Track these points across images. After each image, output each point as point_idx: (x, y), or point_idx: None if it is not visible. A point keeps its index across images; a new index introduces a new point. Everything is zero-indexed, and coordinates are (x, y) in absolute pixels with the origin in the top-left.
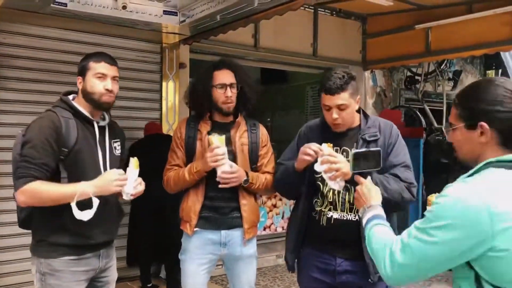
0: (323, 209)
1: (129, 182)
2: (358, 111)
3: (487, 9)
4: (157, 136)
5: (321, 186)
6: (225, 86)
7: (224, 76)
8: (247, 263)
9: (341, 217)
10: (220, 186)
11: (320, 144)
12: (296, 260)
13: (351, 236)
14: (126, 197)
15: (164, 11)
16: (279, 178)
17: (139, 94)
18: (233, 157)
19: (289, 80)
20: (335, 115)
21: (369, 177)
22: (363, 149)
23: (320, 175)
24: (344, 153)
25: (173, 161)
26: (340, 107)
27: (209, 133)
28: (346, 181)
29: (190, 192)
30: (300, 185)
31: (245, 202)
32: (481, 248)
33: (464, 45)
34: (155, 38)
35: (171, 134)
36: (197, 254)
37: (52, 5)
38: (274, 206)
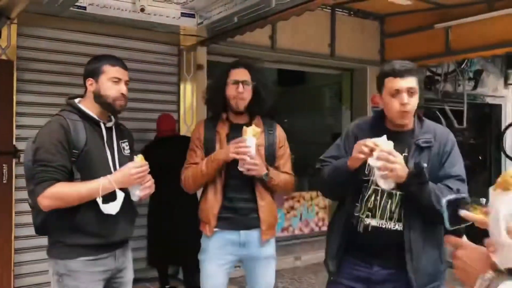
0: (361, 215)
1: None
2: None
3: (508, 7)
4: (173, 138)
5: (364, 190)
6: (237, 83)
7: (239, 74)
8: (265, 264)
9: (379, 225)
10: (240, 168)
11: None
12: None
13: (391, 245)
14: (134, 198)
15: (181, 13)
16: (327, 177)
17: (157, 96)
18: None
19: (307, 81)
20: (406, 100)
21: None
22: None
23: (367, 178)
24: None
25: (192, 160)
26: (410, 91)
27: (228, 136)
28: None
29: (208, 193)
30: (349, 185)
31: (263, 204)
32: None
33: (485, 44)
34: (172, 40)
35: (188, 135)
36: (217, 254)
37: (71, 8)
38: (292, 208)
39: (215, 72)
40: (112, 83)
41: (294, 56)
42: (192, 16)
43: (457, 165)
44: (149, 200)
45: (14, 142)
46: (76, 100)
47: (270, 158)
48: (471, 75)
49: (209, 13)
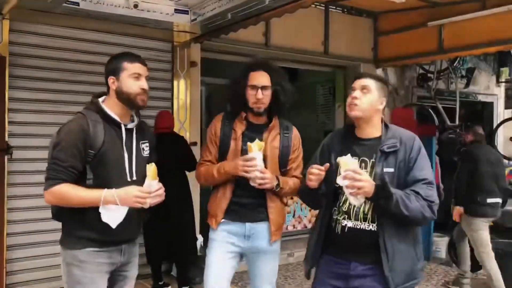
0: (338, 218)
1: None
2: (381, 121)
3: (500, 6)
4: (170, 136)
5: (340, 196)
6: (256, 88)
7: (258, 78)
8: (269, 258)
9: (355, 226)
10: (252, 184)
11: (339, 154)
12: (313, 268)
13: (367, 244)
14: (145, 205)
15: (175, 9)
16: (300, 194)
17: (151, 92)
18: (263, 159)
19: (300, 79)
20: (355, 94)
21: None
22: None
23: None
24: (363, 164)
25: (206, 157)
26: (363, 89)
27: (244, 135)
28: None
29: (220, 189)
30: (320, 198)
31: (273, 205)
32: None
33: (478, 42)
34: (166, 36)
35: (182, 134)
36: (222, 243)
37: (64, 4)
38: (285, 205)
39: (235, 72)
40: (133, 79)
41: (288, 53)
42: (185, 12)
43: (424, 169)
44: None
45: (6, 139)
46: (101, 99)
47: (284, 160)
48: (463, 73)
49: (202, 9)
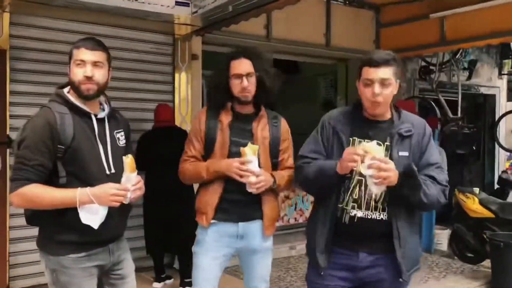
0: (345, 207)
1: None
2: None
3: None
4: (171, 128)
5: (347, 182)
6: (240, 76)
7: (240, 66)
8: (262, 256)
9: (365, 216)
10: (249, 190)
11: (350, 136)
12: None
13: (376, 234)
14: (125, 200)
15: (176, 2)
16: (312, 177)
17: (152, 86)
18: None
19: (302, 71)
20: (377, 90)
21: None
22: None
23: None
24: None
25: (190, 152)
26: (384, 82)
27: (231, 125)
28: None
29: (210, 184)
30: (335, 185)
31: (266, 198)
32: None
33: (480, 34)
34: (167, 29)
35: (183, 128)
36: (213, 247)
37: None
38: (287, 197)
39: (216, 63)
40: (76, 67)
41: (289, 46)
42: (186, 4)
43: (434, 153)
44: (145, 190)
45: (7, 132)
46: (66, 90)
47: (275, 150)
48: (465, 65)
49: (203, 2)
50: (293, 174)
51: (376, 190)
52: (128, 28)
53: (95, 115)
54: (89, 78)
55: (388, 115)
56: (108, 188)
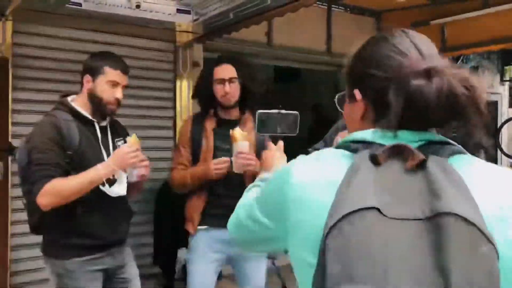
0: None
1: None
2: None
3: (504, 3)
4: None
5: None
6: (223, 81)
7: (223, 71)
8: (256, 263)
9: None
10: (236, 171)
11: None
12: None
13: None
14: (132, 178)
15: (177, 9)
16: None
17: (153, 93)
18: None
19: (303, 78)
20: None
21: (279, 144)
22: (271, 110)
23: None
24: None
25: (177, 159)
26: None
27: (215, 131)
28: None
29: (194, 191)
30: None
31: None
32: (277, 243)
33: (481, 41)
34: (168, 37)
35: None
36: (206, 253)
37: (67, 5)
38: None
39: (203, 69)
40: (109, 86)
41: (290, 52)
42: (187, 12)
43: None
44: (155, 199)
45: (9, 139)
46: (70, 98)
47: (260, 155)
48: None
49: (205, 9)
50: None
51: None
52: (129, 36)
53: (98, 123)
54: (118, 101)
55: None
56: (121, 150)
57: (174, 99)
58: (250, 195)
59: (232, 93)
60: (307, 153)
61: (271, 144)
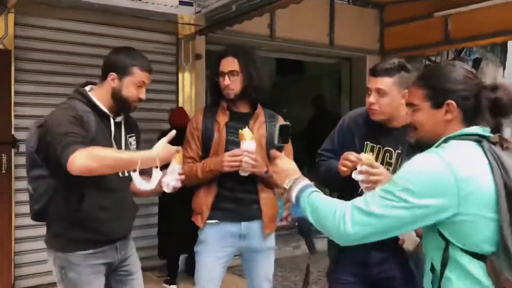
0: None
1: (172, 175)
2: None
3: None
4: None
5: (358, 185)
6: (223, 74)
7: (225, 64)
8: (265, 256)
9: None
10: (241, 173)
11: (364, 139)
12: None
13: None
14: (167, 189)
15: (179, 1)
16: (323, 175)
17: (156, 85)
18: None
19: (306, 71)
20: (372, 99)
21: (288, 151)
22: (286, 122)
23: None
24: (388, 154)
25: (187, 153)
26: (379, 92)
27: (227, 125)
28: None
29: (204, 184)
30: (344, 183)
31: (265, 196)
32: (447, 212)
33: (484, 33)
34: (171, 29)
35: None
36: (216, 246)
37: None
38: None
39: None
40: (135, 87)
41: (293, 45)
42: (190, 4)
43: None
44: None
45: (12, 132)
46: (88, 88)
47: (271, 148)
48: (470, 64)
49: (207, 1)
50: None
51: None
52: (132, 28)
53: (113, 118)
54: (141, 100)
55: (404, 121)
56: (160, 144)
57: (176, 92)
58: (370, 196)
59: (231, 86)
60: (316, 155)
61: (277, 153)
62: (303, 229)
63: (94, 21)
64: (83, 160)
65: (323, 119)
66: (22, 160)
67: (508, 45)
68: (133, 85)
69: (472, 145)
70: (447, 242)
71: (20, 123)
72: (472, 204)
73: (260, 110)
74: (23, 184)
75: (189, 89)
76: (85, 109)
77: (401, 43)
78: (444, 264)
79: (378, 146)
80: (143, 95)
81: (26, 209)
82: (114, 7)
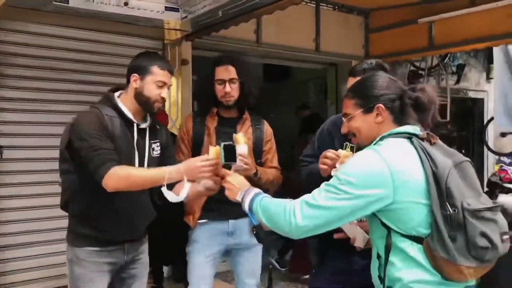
0: None
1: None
2: None
3: (490, 2)
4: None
5: None
6: (224, 82)
7: (224, 72)
8: (253, 252)
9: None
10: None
11: (344, 140)
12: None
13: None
14: (199, 187)
15: (165, 7)
16: (305, 180)
17: None
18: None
19: (292, 76)
20: None
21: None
22: (231, 142)
23: None
24: None
25: (179, 158)
26: None
27: (217, 130)
28: None
29: None
30: None
31: None
32: (385, 201)
33: (468, 39)
34: (157, 34)
35: (174, 132)
36: (206, 245)
37: (54, 2)
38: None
39: (202, 68)
40: (156, 86)
41: (279, 50)
42: (176, 10)
43: None
44: None
45: None
46: (117, 94)
47: (257, 151)
48: (454, 69)
49: (193, 7)
50: (277, 173)
51: None
52: (117, 33)
53: (138, 125)
54: (164, 99)
55: None
56: (195, 162)
57: None
58: (316, 191)
59: (232, 93)
60: (299, 161)
61: (227, 171)
62: (259, 235)
63: (79, 27)
64: (115, 181)
65: (311, 126)
66: (7, 166)
67: (493, 51)
68: (153, 84)
69: (404, 142)
70: (389, 230)
71: (4, 129)
72: (406, 192)
73: (246, 115)
74: (8, 190)
75: (175, 94)
76: (112, 114)
77: (386, 48)
78: (387, 250)
79: (352, 145)
80: (164, 94)
81: (12, 216)
82: (100, 12)
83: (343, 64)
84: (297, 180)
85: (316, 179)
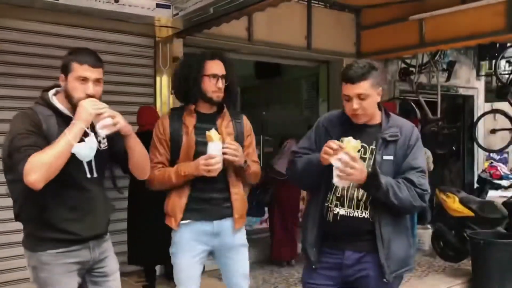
0: (329, 205)
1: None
2: (380, 108)
3: (480, 0)
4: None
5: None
6: (217, 77)
7: (217, 67)
8: (239, 253)
9: (347, 213)
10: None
11: (340, 136)
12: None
13: (360, 232)
14: (100, 131)
15: (156, 4)
16: (300, 169)
17: (133, 88)
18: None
19: (284, 74)
20: (355, 105)
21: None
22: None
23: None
24: (362, 149)
25: (156, 159)
26: (360, 97)
27: (196, 127)
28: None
29: (176, 187)
30: (322, 177)
31: (235, 191)
32: None
33: (458, 36)
34: (148, 32)
35: None
36: (190, 246)
37: None
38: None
39: (186, 61)
40: (78, 83)
41: (271, 48)
42: (167, 7)
43: (419, 158)
44: (128, 197)
45: None
46: (53, 92)
47: (240, 146)
48: (444, 66)
49: (185, 4)
50: (257, 168)
51: (338, 182)
52: (109, 31)
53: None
54: (90, 96)
55: (377, 120)
56: (82, 103)
57: (154, 95)
58: None
59: (222, 89)
60: (291, 153)
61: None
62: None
63: (70, 24)
64: (33, 175)
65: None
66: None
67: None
68: (74, 81)
69: None
70: None
71: None
72: None
73: (225, 110)
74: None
75: (166, 91)
76: (47, 113)
77: (377, 46)
78: None
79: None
80: (90, 91)
81: (1, 215)
82: (91, 9)
83: (335, 61)
84: (289, 171)
85: (314, 168)
